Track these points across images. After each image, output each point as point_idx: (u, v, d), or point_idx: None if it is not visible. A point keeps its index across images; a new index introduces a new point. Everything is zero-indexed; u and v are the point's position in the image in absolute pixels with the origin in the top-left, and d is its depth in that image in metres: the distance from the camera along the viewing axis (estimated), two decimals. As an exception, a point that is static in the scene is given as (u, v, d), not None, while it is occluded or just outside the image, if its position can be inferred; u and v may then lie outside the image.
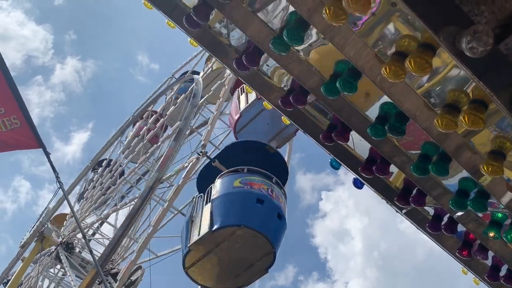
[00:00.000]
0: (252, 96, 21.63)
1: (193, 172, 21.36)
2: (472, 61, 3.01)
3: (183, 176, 21.21)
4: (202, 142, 21.44)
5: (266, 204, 17.30)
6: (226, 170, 18.76)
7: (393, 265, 55.93)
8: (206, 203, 17.81)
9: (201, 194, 18.87)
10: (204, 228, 16.82)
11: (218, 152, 21.74)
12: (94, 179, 29.82)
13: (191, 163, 21.20)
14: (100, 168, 30.19)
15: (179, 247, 21.12)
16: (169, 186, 23.44)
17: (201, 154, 20.72)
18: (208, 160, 20.47)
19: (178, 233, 20.29)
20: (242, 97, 22.68)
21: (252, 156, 19.34)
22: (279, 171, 19.55)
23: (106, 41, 66.00)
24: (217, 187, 18.07)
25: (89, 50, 67.60)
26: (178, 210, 22.47)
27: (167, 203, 21.14)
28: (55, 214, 28.14)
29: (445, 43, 2.94)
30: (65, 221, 26.91)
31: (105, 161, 30.81)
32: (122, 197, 29.22)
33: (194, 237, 17.01)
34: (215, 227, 16.63)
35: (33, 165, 63.25)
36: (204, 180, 19.57)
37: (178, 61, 32.16)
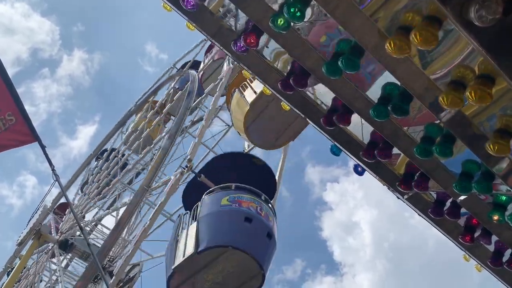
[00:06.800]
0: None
1: (178, 186, 20.05)
2: (480, 32, 2.92)
3: (166, 190, 19.75)
4: (188, 157, 19.79)
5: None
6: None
7: (403, 257, 55.93)
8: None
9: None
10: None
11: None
12: (94, 172, 29.83)
13: (175, 178, 19.76)
14: (101, 161, 30.25)
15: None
16: (158, 194, 23.15)
17: (186, 168, 19.24)
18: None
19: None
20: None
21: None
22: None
23: (114, 31, 65.33)
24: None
25: (97, 41, 66.94)
26: (168, 216, 22.15)
27: (148, 222, 19.87)
28: (59, 203, 28.16)
29: (452, 13, 2.84)
30: (65, 216, 26.84)
31: (106, 152, 30.89)
32: (119, 195, 29.35)
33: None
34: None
35: (39, 161, 63.02)
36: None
37: (187, 50, 31.62)
